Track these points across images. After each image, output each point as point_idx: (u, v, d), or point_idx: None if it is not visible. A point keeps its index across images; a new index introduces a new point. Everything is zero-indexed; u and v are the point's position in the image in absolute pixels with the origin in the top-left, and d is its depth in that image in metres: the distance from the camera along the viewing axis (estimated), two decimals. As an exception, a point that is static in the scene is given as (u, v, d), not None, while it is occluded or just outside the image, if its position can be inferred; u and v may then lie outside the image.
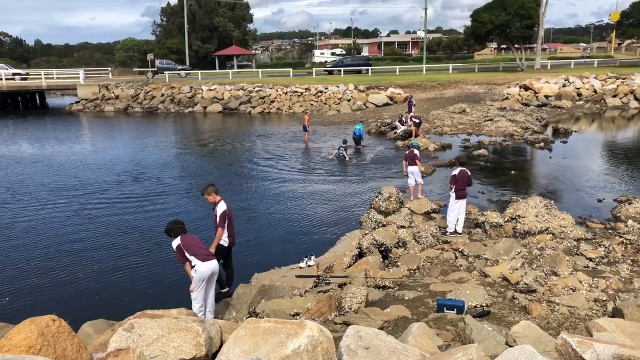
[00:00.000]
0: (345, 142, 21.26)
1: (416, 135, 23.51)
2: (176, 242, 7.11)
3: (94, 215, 13.95)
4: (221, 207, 8.10)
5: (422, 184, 14.17)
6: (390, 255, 9.85)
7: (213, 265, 7.20)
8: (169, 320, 3.61)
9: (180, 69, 57.62)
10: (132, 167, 20.43)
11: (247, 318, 6.62)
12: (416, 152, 14.20)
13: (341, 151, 20.80)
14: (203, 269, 7.04)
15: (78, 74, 50.68)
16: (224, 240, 8.18)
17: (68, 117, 41.14)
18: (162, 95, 44.34)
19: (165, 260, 10.55)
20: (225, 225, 8.13)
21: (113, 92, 46.10)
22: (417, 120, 24.50)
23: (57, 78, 51.95)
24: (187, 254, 7.05)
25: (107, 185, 17.36)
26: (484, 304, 6.95)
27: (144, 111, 42.63)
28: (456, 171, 11.10)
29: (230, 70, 56.38)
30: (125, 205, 14.84)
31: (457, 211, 11.10)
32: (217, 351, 3.55)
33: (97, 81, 50.78)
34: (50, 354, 3.17)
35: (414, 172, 13.91)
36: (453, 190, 11.04)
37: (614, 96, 36.59)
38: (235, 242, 8.53)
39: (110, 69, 62.86)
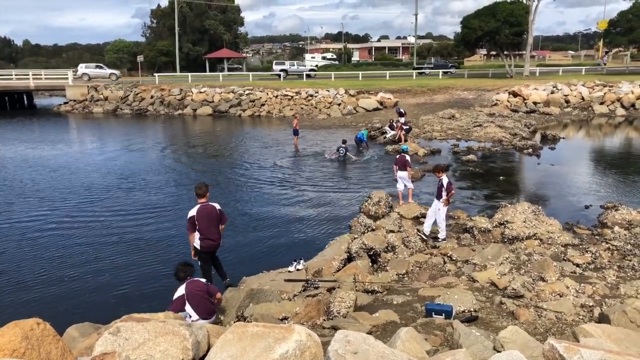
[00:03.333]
0: (344, 142, 21.52)
1: (405, 140, 23.63)
2: (180, 291, 6.59)
3: (80, 218, 13.81)
4: (190, 212, 8.21)
5: (412, 188, 14.22)
6: (379, 259, 9.85)
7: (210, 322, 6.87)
8: (155, 324, 3.58)
9: (450, 67, 62.03)
10: (120, 171, 20.30)
11: (234, 322, 6.59)
12: (407, 157, 14.24)
13: (341, 151, 20.94)
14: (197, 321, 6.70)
15: (67, 74, 50.29)
16: (196, 243, 8.22)
17: (56, 118, 40.79)
18: (152, 97, 44.14)
19: (152, 264, 10.49)
20: (194, 229, 8.19)
21: (102, 94, 45.80)
22: (407, 127, 24.81)
23: (46, 78, 51.51)
24: (187, 305, 6.54)
25: (94, 188, 17.21)
26: (472, 309, 6.96)
27: (133, 113, 42.38)
28: (446, 178, 11.11)
29: (220, 73, 56.30)
30: (112, 209, 14.73)
31: (443, 216, 11.16)
32: (204, 355, 3.52)
33: (86, 82, 50.45)
34: (34, 357, 3.12)
35: (403, 177, 13.96)
36: (446, 196, 11.03)
37: (601, 103, 37.01)
38: (215, 246, 8.47)
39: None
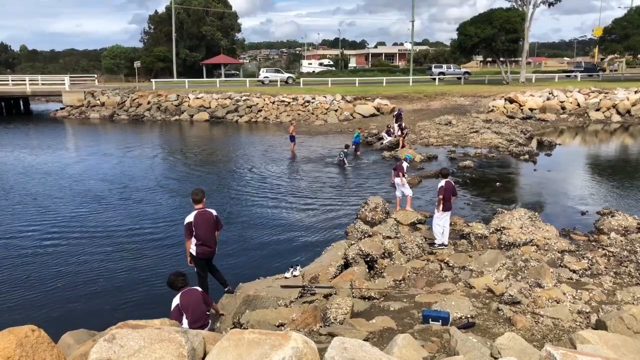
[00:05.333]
0: (347, 147, 21.73)
1: (402, 146, 23.68)
2: (175, 300, 6.53)
3: (76, 226, 13.76)
4: (187, 218, 8.12)
5: (410, 195, 14.14)
6: (376, 265, 9.83)
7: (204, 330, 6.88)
8: (151, 331, 3.56)
9: (598, 70, 60.24)
10: (116, 178, 20.26)
11: (231, 329, 6.55)
12: (404, 165, 14.26)
13: (341, 156, 21.05)
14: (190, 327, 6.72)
15: (63, 80, 50.24)
16: (192, 249, 8.16)
17: (53, 124, 40.68)
18: (149, 102, 44.06)
19: (148, 270, 10.45)
20: (192, 235, 8.08)
21: (99, 99, 45.73)
22: (405, 130, 24.93)
23: (42, 84, 51.44)
24: (183, 315, 6.47)
25: (89, 196, 17.16)
26: (469, 316, 6.96)
27: (130, 119, 42.33)
28: (442, 183, 11.10)
29: (217, 79, 56.33)
30: (107, 216, 14.69)
31: (442, 224, 11.11)
32: (200, 363, 3.50)
33: (83, 88, 50.41)
34: (28, 365, 3.10)
35: (398, 184, 13.97)
36: (440, 202, 11.01)
37: (597, 110, 37.14)
38: (211, 252, 8.39)
39: (96, 75, 62.42)
